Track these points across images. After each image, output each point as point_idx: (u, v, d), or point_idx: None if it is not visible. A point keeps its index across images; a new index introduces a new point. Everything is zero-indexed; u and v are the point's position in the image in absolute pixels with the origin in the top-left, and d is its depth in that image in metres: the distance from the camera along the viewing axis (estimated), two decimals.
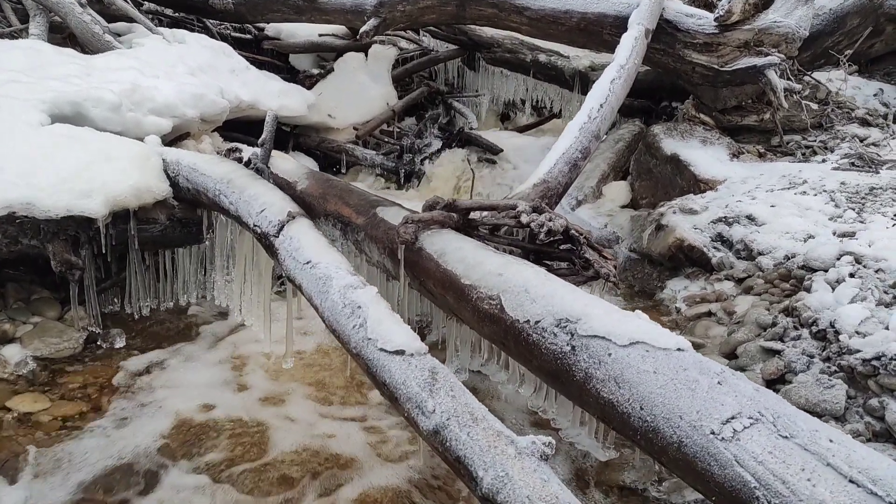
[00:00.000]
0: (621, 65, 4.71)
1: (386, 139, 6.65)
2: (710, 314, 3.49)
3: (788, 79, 4.89)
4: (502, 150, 6.18)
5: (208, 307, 3.81)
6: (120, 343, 3.33)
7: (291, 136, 6.36)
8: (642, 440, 2.19)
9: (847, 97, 5.50)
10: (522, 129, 7.33)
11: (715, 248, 3.94)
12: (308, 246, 2.66)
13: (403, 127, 6.94)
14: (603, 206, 5.35)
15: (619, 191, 5.46)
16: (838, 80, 5.64)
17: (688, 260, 4.01)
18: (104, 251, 3.31)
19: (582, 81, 6.82)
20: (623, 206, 5.35)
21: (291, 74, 7.25)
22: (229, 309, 3.68)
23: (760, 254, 3.71)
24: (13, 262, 3.47)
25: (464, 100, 7.43)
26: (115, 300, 3.67)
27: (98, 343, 3.31)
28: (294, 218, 2.82)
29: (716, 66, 5.01)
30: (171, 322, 3.63)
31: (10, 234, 3.23)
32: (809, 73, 5.52)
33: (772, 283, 3.47)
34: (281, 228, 2.78)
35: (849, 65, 5.46)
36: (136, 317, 3.59)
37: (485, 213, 3.78)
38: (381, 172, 6.35)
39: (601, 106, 4.48)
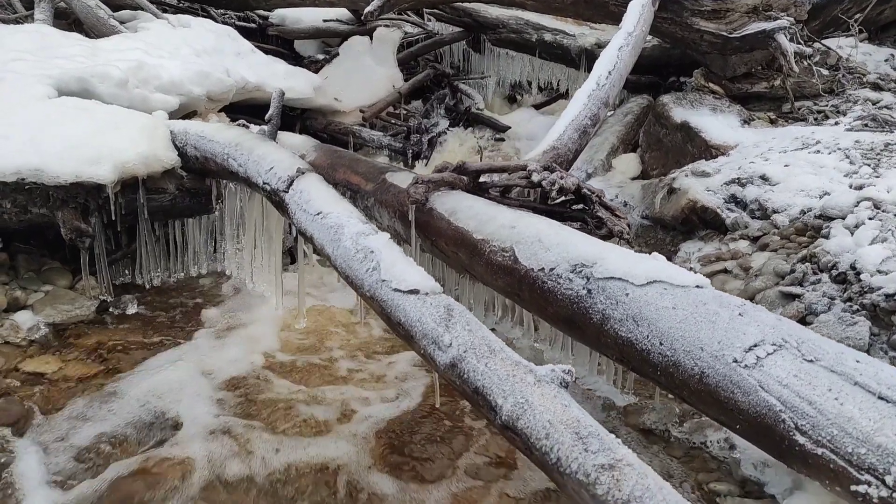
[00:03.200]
0: (629, 32, 4.67)
1: (393, 121, 6.62)
2: (725, 271, 3.44)
3: (798, 43, 4.84)
4: (510, 128, 6.15)
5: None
6: (132, 309, 3.31)
7: (298, 119, 6.34)
8: (662, 376, 2.15)
9: (858, 63, 5.43)
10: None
11: (729, 209, 3.89)
12: (318, 198, 2.64)
13: (410, 109, 6.91)
14: (613, 179, 5.30)
15: (628, 163, 5.42)
16: (848, 48, 5.57)
17: (701, 222, 3.96)
18: (114, 218, 3.30)
19: (588, 59, 6.76)
20: (633, 178, 5.30)
21: (296, 61, 7.22)
22: (240, 277, 3.66)
23: (775, 212, 3.66)
24: (23, 234, 3.46)
25: (470, 82, 7.40)
26: (126, 272, 3.66)
27: (110, 310, 3.30)
28: (303, 173, 2.80)
29: (724, 33, 4.97)
30: (182, 291, 3.61)
31: (20, 203, 3.22)
32: (819, 40, 5.46)
33: (788, 238, 3.42)
34: (290, 183, 2.76)
35: (860, 30, 5.39)
36: (147, 287, 3.58)
37: (495, 175, 3.76)
38: (389, 154, 6.32)
39: (609, 73, 4.44)
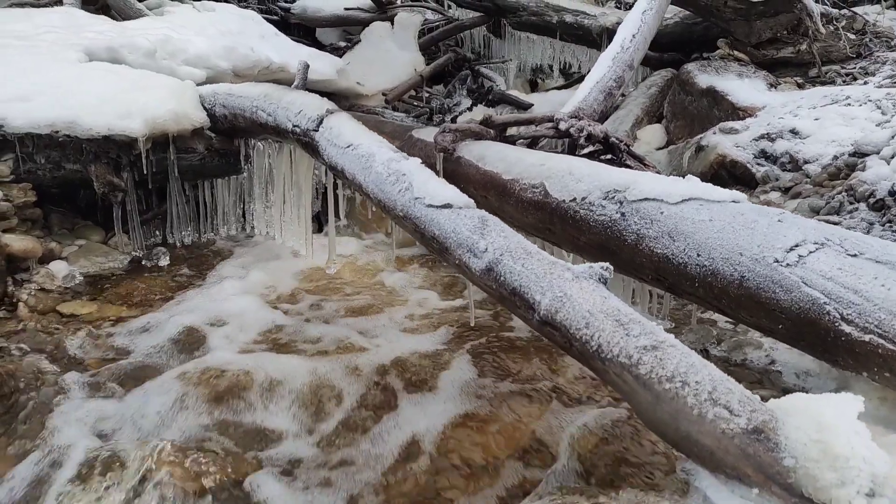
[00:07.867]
0: None
1: (415, 103, 6.65)
2: None
3: (824, 4, 4.79)
4: (533, 105, 6.15)
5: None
6: (164, 261, 3.35)
7: None
8: (700, 287, 2.13)
9: (885, 27, 5.37)
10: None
11: (759, 163, 3.85)
12: (348, 132, 2.65)
13: (432, 92, 6.94)
14: (639, 149, 5.19)
15: (653, 133, 5.38)
16: (875, 14, 5.51)
17: (731, 177, 3.92)
18: (145, 173, 3.34)
19: (610, 39, 6.70)
20: (659, 149, 5.26)
21: (318, 50, 7.29)
22: (270, 234, 3.68)
23: (807, 162, 3.62)
24: (56, 196, 3.49)
25: (491, 67, 7.41)
26: (157, 233, 3.70)
27: (143, 263, 3.34)
28: (333, 112, 2.81)
29: None
30: (212, 247, 3.65)
31: (53, 160, 3.26)
32: (846, 6, 5.41)
33: (820, 184, 3.37)
34: (320, 122, 2.77)
35: None
36: (178, 245, 3.61)
37: (522, 128, 3.76)
38: None
39: (633, 36, 4.44)
